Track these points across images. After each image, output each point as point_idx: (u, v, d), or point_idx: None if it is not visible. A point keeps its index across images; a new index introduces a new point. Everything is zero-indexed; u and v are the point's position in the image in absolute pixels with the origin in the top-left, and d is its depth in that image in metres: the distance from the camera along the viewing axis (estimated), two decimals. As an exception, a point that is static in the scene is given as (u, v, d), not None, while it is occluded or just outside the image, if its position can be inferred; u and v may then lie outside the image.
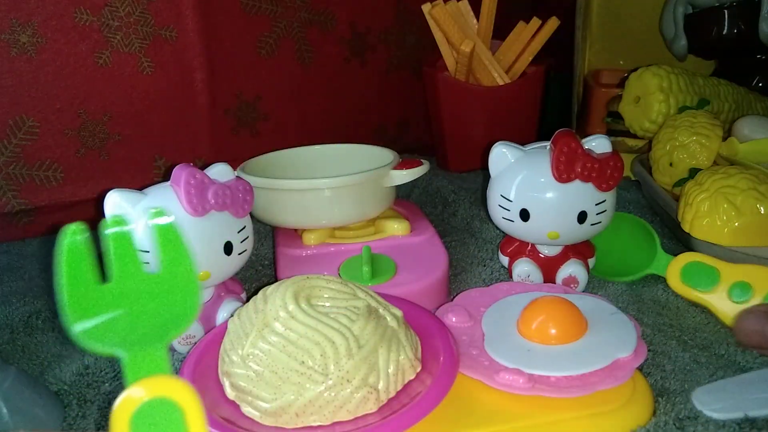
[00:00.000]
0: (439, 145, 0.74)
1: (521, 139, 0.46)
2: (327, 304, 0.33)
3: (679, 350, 0.38)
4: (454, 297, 0.42)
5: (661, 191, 0.55)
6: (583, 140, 0.42)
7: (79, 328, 0.22)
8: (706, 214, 0.45)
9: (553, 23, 0.68)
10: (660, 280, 0.46)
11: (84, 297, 0.22)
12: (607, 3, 0.75)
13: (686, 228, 0.46)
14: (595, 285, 0.46)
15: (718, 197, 0.44)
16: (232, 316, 0.35)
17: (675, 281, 0.43)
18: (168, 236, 0.24)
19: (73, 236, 0.22)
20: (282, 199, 0.48)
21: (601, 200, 0.42)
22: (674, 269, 0.44)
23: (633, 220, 0.49)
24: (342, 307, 0.33)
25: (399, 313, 0.35)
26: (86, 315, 0.22)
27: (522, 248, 0.46)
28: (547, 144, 0.42)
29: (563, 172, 0.41)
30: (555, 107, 0.80)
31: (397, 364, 0.32)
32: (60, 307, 0.21)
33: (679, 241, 0.52)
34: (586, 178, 0.41)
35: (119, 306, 0.22)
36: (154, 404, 0.21)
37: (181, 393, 0.21)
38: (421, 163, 0.50)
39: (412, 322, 0.36)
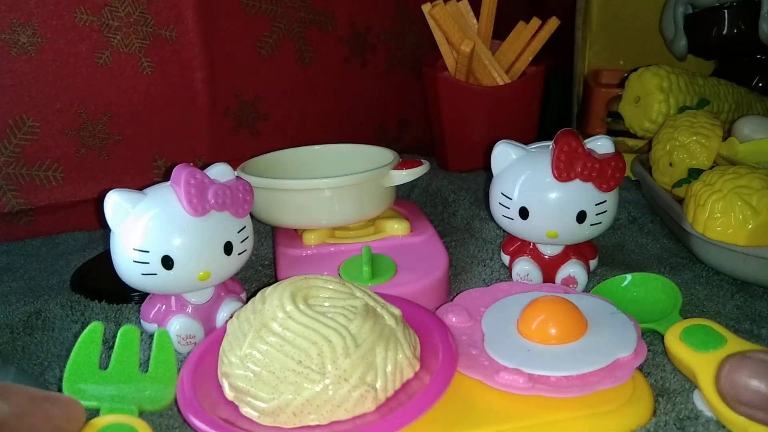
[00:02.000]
0: (439, 145, 0.74)
1: (521, 139, 0.45)
2: (325, 304, 0.33)
3: (679, 350, 0.38)
4: (454, 297, 0.42)
5: (661, 191, 0.55)
6: (587, 140, 0.42)
7: (69, 383, 0.32)
8: (721, 214, 0.43)
9: (553, 23, 0.68)
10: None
11: (83, 367, 0.33)
12: (607, 3, 0.75)
13: (699, 229, 0.45)
14: (595, 285, 0.46)
15: (733, 197, 0.43)
16: (231, 317, 0.35)
17: (673, 338, 0.35)
18: (161, 343, 0.35)
19: (95, 327, 0.34)
20: (282, 199, 0.48)
21: (601, 200, 0.42)
22: (677, 328, 0.35)
23: (659, 281, 0.43)
24: (339, 307, 0.33)
25: (397, 311, 0.35)
26: (80, 379, 0.33)
27: (523, 247, 0.46)
28: (551, 143, 0.42)
29: (563, 171, 0.40)
30: (555, 107, 0.80)
31: (395, 363, 0.32)
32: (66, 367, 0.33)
33: (680, 242, 0.52)
34: (586, 178, 0.41)
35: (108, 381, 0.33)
36: (117, 426, 0.29)
37: (142, 426, 0.30)
38: (421, 163, 0.50)
39: (411, 321, 0.36)
